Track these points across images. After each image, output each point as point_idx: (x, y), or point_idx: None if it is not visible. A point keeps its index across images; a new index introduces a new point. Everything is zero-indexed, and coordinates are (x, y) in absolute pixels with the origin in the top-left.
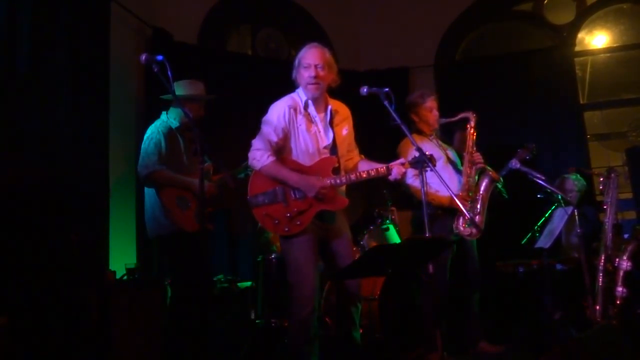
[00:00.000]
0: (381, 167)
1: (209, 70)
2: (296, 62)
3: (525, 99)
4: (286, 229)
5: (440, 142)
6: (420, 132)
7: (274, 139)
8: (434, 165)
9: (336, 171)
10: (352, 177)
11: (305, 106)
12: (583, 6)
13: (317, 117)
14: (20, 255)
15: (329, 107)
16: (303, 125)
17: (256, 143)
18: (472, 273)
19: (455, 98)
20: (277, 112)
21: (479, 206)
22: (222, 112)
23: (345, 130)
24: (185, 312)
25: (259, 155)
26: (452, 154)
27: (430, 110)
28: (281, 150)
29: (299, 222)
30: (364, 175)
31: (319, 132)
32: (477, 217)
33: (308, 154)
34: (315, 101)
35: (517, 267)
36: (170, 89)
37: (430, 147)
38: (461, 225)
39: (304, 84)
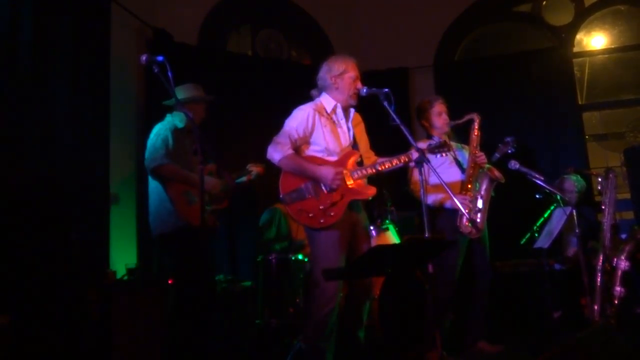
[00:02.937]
0: (402, 156)
1: (209, 71)
2: (338, 70)
3: (524, 99)
4: (322, 221)
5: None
6: (431, 137)
7: (295, 136)
8: (449, 150)
9: (360, 165)
10: (378, 167)
11: (333, 110)
12: (581, 8)
13: (342, 120)
14: (21, 255)
15: (352, 110)
16: (327, 126)
17: (277, 138)
18: (481, 270)
19: (455, 98)
20: (302, 113)
21: (479, 205)
22: (222, 112)
23: (361, 132)
24: (187, 312)
25: (280, 148)
26: (461, 154)
27: (439, 114)
28: (301, 148)
29: (332, 213)
30: (387, 165)
31: (343, 133)
32: (478, 215)
33: (333, 152)
34: (344, 106)
35: (516, 267)
36: (170, 89)
37: None
38: (463, 224)
39: (349, 92)
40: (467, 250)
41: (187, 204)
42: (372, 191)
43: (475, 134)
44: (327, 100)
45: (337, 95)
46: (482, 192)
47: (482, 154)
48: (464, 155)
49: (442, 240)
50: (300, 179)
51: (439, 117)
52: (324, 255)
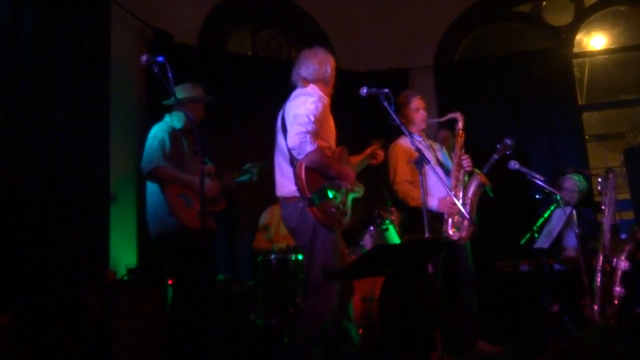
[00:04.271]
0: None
1: (209, 71)
2: (333, 65)
3: (524, 99)
4: (344, 222)
5: (430, 143)
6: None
7: (318, 126)
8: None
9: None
10: (360, 164)
11: (328, 103)
12: (581, 8)
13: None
14: (21, 255)
15: None
16: (329, 119)
17: (306, 127)
18: (464, 272)
19: (455, 99)
20: (321, 104)
21: (467, 209)
22: (222, 112)
23: None
24: (187, 312)
25: (313, 139)
26: (442, 154)
27: (416, 110)
28: None
29: (348, 212)
30: (358, 160)
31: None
32: (465, 220)
33: (331, 148)
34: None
35: (516, 267)
36: (170, 90)
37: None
38: (450, 230)
39: (331, 85)
40: (450, 252)
41: (183, 207)
42: (362, 188)
43: (460, 134)
44: (323, 94)
45: (327, 89)
46: (470, 196)
47: (467, 156)
48: (444, 155)
49: (442, 240)
50: (320, 176)
51: (417, 113)
52: (332, 257)
